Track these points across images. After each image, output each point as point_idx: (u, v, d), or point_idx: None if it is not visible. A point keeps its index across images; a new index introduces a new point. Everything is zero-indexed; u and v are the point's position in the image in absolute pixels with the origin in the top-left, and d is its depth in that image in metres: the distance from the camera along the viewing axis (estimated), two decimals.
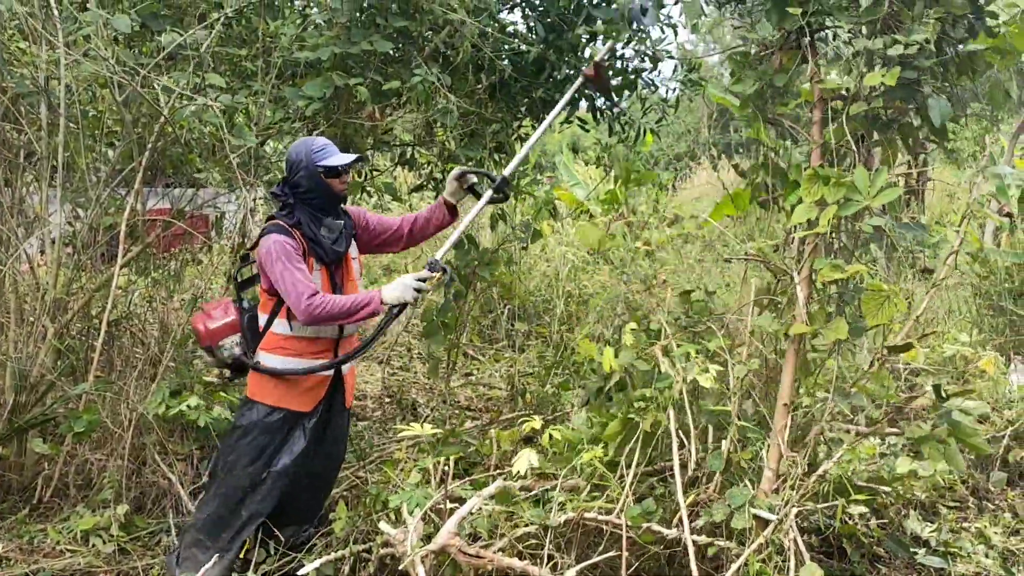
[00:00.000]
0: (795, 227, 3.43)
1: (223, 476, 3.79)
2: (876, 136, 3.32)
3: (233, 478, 3.75)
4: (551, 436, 3.76)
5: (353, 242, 3.93)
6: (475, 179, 4.09)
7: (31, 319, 4.62)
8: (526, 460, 3.46)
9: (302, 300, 3.51)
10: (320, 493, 4.02)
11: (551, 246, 9.22)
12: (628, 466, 3.58)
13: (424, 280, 3.65)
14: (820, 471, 3.27)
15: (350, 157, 3.76)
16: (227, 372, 3.97)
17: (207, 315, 3.81)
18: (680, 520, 3.23)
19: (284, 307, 3.69)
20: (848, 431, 3.81)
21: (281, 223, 3.68)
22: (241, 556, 3.69)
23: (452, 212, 4.12)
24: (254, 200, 4.99)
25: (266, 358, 3.75)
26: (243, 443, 3.75)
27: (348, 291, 3.82)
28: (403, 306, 3.69)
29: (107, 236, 4.82)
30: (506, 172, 4.11)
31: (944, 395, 3.55)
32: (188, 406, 4.26)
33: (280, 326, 3.73)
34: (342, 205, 3.91)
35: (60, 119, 4.50)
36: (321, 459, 3.88)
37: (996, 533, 4.43)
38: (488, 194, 4.05)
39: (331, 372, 3.79)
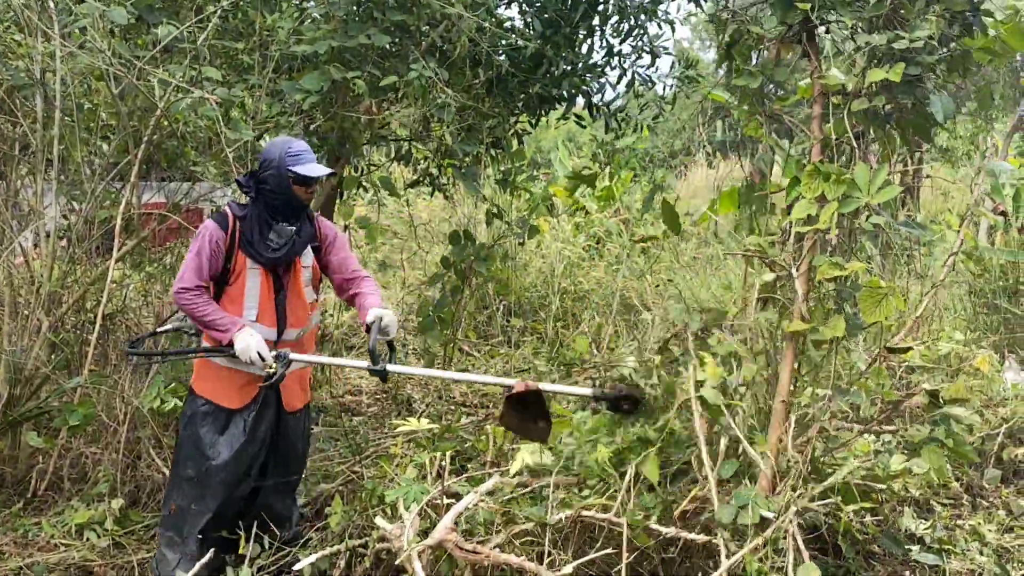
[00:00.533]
0: (790, 223, 3.44)
1: (175, 469, 3.82)
2: (875, 132, 3.31)
3: (181, 469, 3.77)
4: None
5: (309, 251, 3.86)
6: (376, 339, 3.77)
7: (26, 312, 4.60)
8: (524, 458, 3.45)
9: (178, 285, 3.57)
10: (283, 494, 3.99)
11: (547, 242, 9.21)
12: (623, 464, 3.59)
13: (263, 360, 3.59)
14: (826, 483, 3.26)
15: (322, 170, 3.69)
16: None
17: None
18: (679, 518, 3.23)
19: (222, 296, 3.68)
20: (847, 429, 3.81)
21: (228, 212, 3.68)
22: (240, 551, 3.67)
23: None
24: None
25: (205, 345, 3.76)
26: (186, 434, 3.76)
27: (292, 296, 3.79)
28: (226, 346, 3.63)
29: (102, 230, 4.80)
30: (390, 368, 3.80)
31: (940, 402, 3.57)
32: (166, 399, 4.27)
33: None
34: (311, 213, 3.87)
35: (55, 112, 4.48)
36: (275, 460, 3.87)
37: (990, 530, 4.44)
38: (366, 363, 3.81)
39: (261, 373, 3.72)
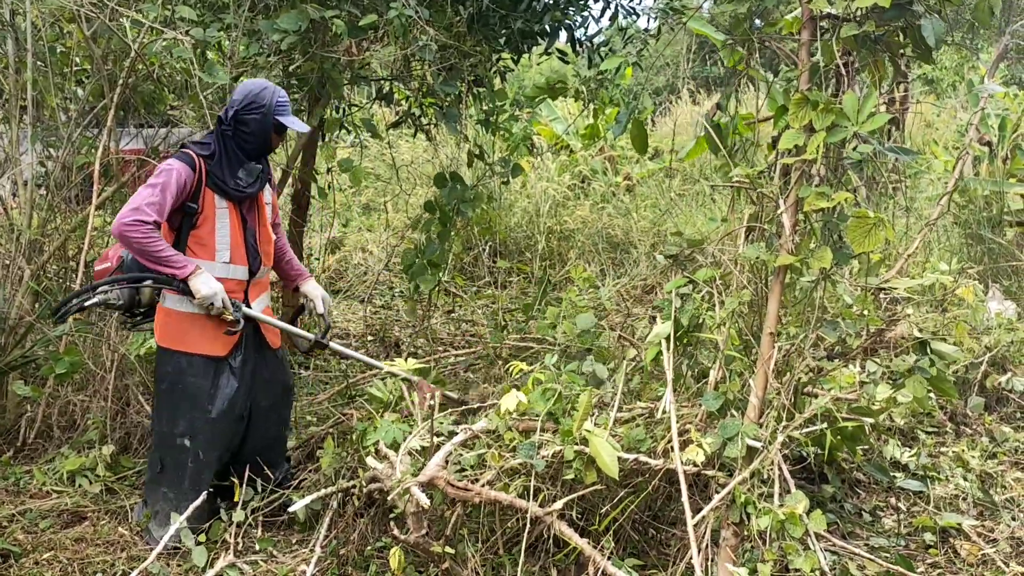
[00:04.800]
0: (777, 156, 3.41)
1: (161, 427, 3.76)
2: (864, 58, 3.26)
3: (170, 427, 3.71)
4: (536, 381, 3.72)
5: (268, 188, 3.87)
6: (316, 311, 4.07)
7: (6, 262, 4.56)
8: (513, 399, 3.46)
9: (132, 216, 3.36)
10: (275, 431, 3.98)
11: (532, 182, 9.17)
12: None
13: (224, 307, 3.56)
14: (811, 409, 3.28)
15: (305, 126, 3.75)
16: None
17: (102, 258, 3.77)
18: (667, 450, 3.25)
19: (189, 240, 3.60)
20: (831, 359, 3.83)
21: (190, 152, 3.59)
22: (237, 498, 3.69)
23: (294, 290, 4.16)
24: None
25: (171, 300, 3.64)
26: (170, 391, 3.70)
27: (261, 233, 3.78)
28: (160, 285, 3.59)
29: (80, 176, 4.74)
30: (323, 341, 4.01)
31: (927, 346, 3.61)
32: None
33: None
34: None
35: (27, 56, 4.38)
36: (263, 399, 3.85)
37: (974, 457, 4.51)
38: (312, 335, 4.03)
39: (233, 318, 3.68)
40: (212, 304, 3.52)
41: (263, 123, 3.62)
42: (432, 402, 3.69)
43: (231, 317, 3.61)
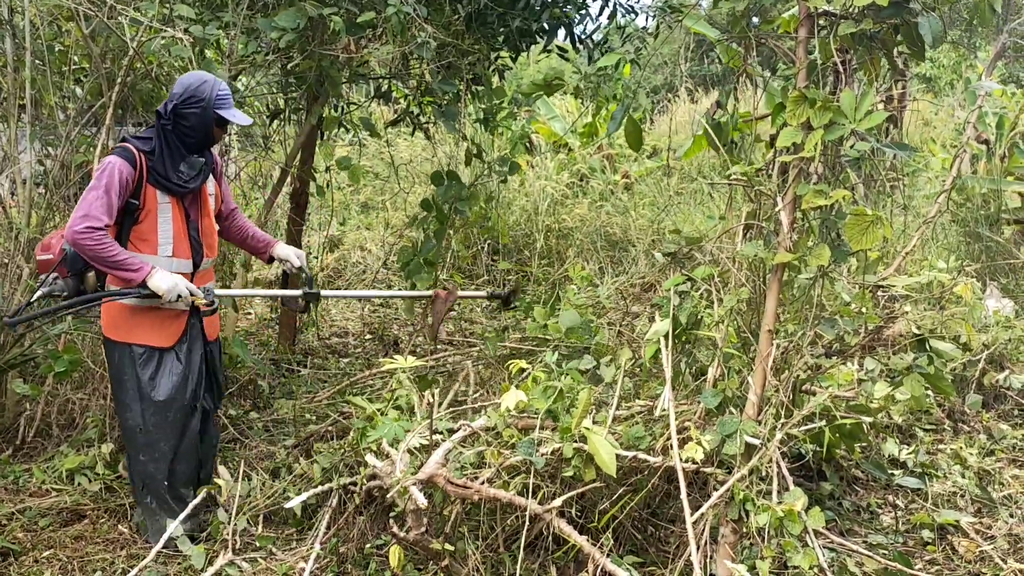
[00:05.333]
0: (775, 154, 3.41)
1: (119, 420, 3.76)
2: (862, 56, 3.26)
3: (126, 421, 3.71)
4: (535, 379, 3.73)
5: (212, 179, 3.85)
6: (293, 267, 4.12)
7: (5, 260, 4.56)
8: (514, 397, 3.46)
9: (84, 223, 3.35)
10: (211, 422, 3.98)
11: (530, 180, 9.17)
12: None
13: (193, 295, 3.57)
14: (810, 406, 3.29)
15: (247, 119, 3.70)
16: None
17: (44, 247, 3.69)
18: (666, 448, 3.26)
19: (131, 235, 3.57)
20: (829, 356, 3.83)
21: (130, 147, 3.54)
22: (222, 499, 3.69)
23: (269, 260, 4.18)
24: (227, 136, 4.91)
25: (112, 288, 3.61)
26: (119, 383, 3.68)
27: (203, 226, 3.76)
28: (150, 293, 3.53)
29: (79, 174, 4.74)
30: (311, 292, 4.08)
31: (927, 344, 3.61)
32: None
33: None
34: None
35: (26, 54, 4.38)
36: (208, 389, 3.86)
37: (972, 454, 4.52)
38: (294, 293, 4.12)
39: (187, 307, 3.70)
40: (180, 296, 3.52)
41: (203, 117, 3.58)
42: (452, 301, 4.16)
43: (203, 301, 3.62)
